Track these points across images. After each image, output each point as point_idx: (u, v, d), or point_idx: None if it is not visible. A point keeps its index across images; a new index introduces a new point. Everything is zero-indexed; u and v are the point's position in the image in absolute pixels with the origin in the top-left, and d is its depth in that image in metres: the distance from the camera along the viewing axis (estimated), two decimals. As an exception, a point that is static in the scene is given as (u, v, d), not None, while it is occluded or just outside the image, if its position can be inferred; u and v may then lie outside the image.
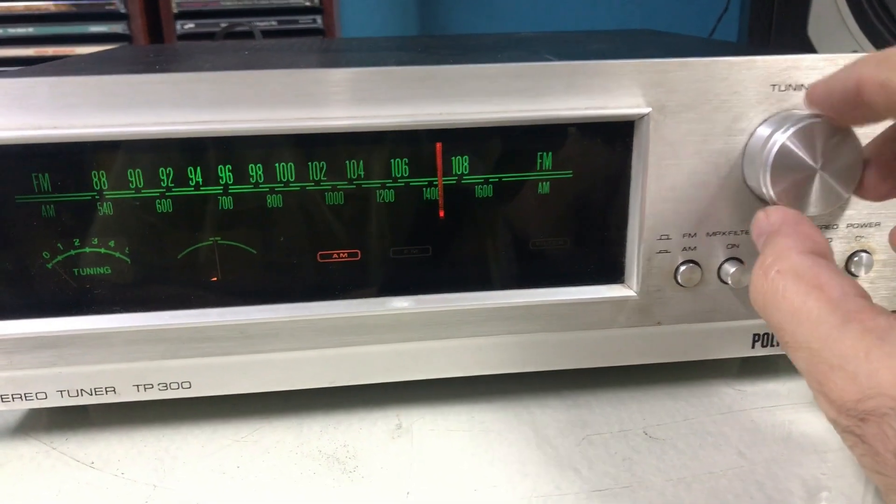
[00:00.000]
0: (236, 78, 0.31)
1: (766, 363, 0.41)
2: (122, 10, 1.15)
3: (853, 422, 0.21)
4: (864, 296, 0.23)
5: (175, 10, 1.18)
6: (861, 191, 0.31)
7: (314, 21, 1.19)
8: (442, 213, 0.34)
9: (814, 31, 0.88)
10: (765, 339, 0.37)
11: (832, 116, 0.29)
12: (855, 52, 0.37)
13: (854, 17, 0.86)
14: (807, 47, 0.88)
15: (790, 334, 0.24)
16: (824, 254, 0.25)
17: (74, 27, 1.16)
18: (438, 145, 0.33)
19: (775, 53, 0.33)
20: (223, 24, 1.15)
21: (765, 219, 0.28)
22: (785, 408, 0.37)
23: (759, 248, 0.29)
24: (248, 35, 1.12)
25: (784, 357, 0.42)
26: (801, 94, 0.33)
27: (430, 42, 0.53)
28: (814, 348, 0.22)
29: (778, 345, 0.37)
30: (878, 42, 0.85)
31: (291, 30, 1.19)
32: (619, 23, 1.44)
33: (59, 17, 1.16)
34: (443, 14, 1.48)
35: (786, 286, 0.24)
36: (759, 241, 0.28)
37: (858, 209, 0.35)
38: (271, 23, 1.17)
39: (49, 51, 1.15)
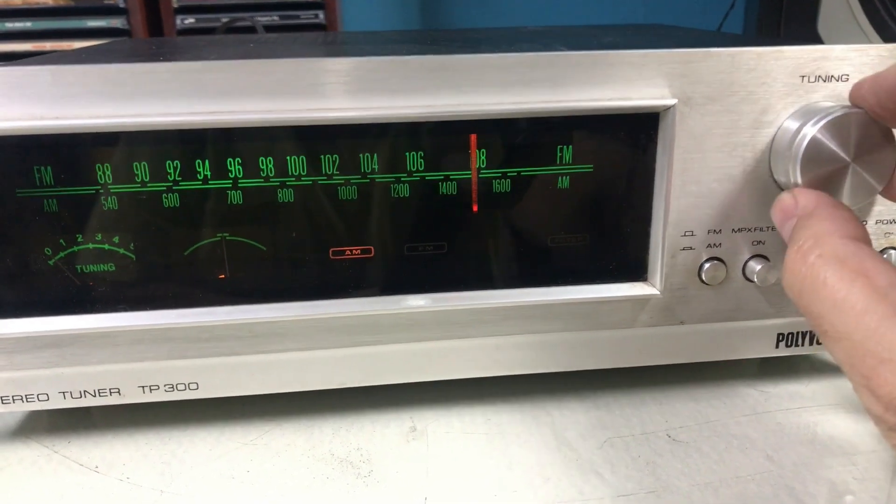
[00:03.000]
0: (245, 67, 0.30)
1: (788, 363, 0.40)
2: (122, 5, 1.14)
3: None
4: None
5: (175, 5, 1.16)
6: (890, 190, 0.30)
7: (316, 16, 1.18)
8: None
9: (823, 26, 0.87)
10: (789, 338, 0.36)
11: (878, 115, 0.28)
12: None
13: (864, 12, 0.85)
14: (816, 43, 0.87)
15: (830, 324, 0.22)
16: (865, 239, 0.24)
17: (73, 22, 1.14)
18: (473, 137, 0.32)
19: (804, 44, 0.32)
20: (224, 19, 1.14)
21: (792, 201, 0.27)
22: (810, 409, 0.36)
23: (785, 232, 0.27)
24: (250, 30, 1.11)
25: (806, 358, 0.41)
26: (831, 85, 0.32)
27: (437, 36, 0.52)
28: (858, 340, 0.21)
29: (803, 344, 0.36)
30: (888, 36, 0.84)
31: (293, 25, 1.17)
32: (623, 19, 1.43)
33: (57, 12, 1.15)
34: (444, 10, 1.47)
35: (827, 273, 0.23)
36: (787, 224, 0.27)
37: (888, 205, 0.34)
38: (273, 18, 1.16)
39: (47, 45, 1.14)
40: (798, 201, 0.27)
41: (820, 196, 0.27)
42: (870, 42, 0.84)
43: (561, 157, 0.32)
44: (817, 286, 0.23)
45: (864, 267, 0.22)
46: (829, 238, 0.24)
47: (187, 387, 0.34)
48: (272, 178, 0.31)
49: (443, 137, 0.32)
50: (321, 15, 1.18)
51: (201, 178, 0.31)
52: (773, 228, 0.33)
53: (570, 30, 0.55)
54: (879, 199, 0.34)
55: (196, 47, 0.45)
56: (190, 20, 1.16)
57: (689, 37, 0.48)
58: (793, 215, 0.27)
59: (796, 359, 0.40)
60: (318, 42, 0.49)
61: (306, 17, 1.17)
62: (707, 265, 0.34)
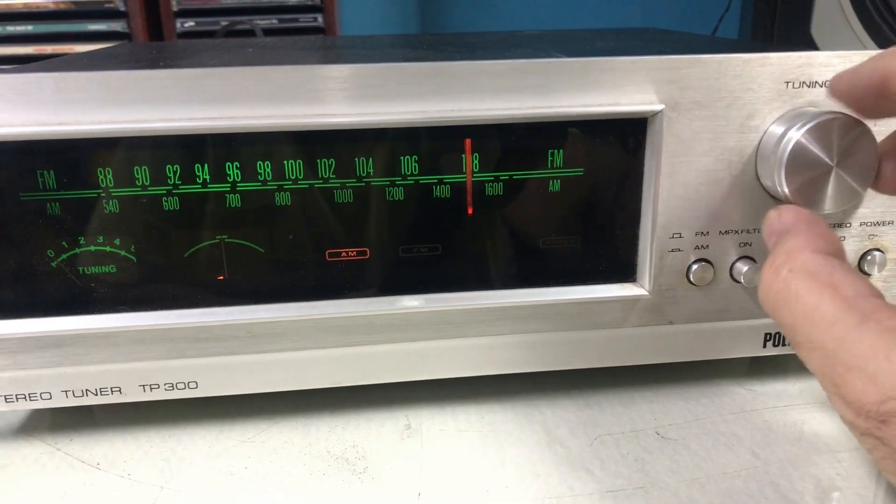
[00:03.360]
0: (243, 74, 0.30)
1: (777, 362, 0.40)
2: (122, 8, 1.15)
3: (873, 424, 0.21)
4: (878, 295, 0.23)
5: (175, 8, 1.17)
6: (878, 184, 0.30)
7: (315, 19, 1.19)
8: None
9: (817, 29, 0.88)
10: (776, 338, 0.37)
11: (855, 109, 0.28)
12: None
13: (857, 16, 0.85)
14: (810, 46, 0.87)
15: (803, 335, 0.23)
16: (837, 253, 0.25)
17: (73, 25, 1.15)
18: (467, 141, 0.32)
19: (789, 50, 0.33)
20: (223, 23, 1.14)
21: (777, 219, 0.28)
22: (797, 407, 0.36)
23: (771, 248, 0.28)
24: (249, 33, 1.12)
25: (794, 356, 0.41)
26: (816, 91, 0.32)
27: (434, 40, 0.53)
28: (829, 349, 0.22)
29: (790, 344, 0.37)
30: (881, 40, 0.85)
31: (292, 28, 1.18)
32: (619, 23, 1.44)
33: (58, 15, 1.16)
34: (443, 13, 1.48)
35: (798, 286, 0.23)
36: (771, 241, 0.28)
37: (872, 207, 0.35)
38: (272, 21, 1.17)
39: (48, 49, 1.15)
40: (781, 219, 0.27)
41: (800, 213, 0.27)
42: (863, 45, 0.85)
43: (552, 161, 0.33)
44: (789, 299, 0.24)
45: (832, 279, 0.23)
46: (799, 253, 0.24)
47: (187, 386, 0.34)
48: (270, 181, 0.32)
49: (437, 142, 0.32)
50: (320, 18, 1.19)
51: (200, 181, 0.32)
52: (760, 231, 0.34)
53: (565, 34, 0.56)
54: (864, 201, 0.34)
55: (196, 52, 0.46)
56: (190, 23, 1.17)
57: (681, 42, 0.49)
58: (776, 232, 0.27)
59: (784, 358, 0.41)
60: (316, 46, 0.50)
61: (305, 20, 1.18)
62: (695, 266, 0.34)
